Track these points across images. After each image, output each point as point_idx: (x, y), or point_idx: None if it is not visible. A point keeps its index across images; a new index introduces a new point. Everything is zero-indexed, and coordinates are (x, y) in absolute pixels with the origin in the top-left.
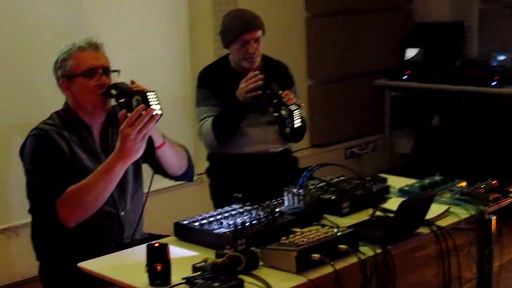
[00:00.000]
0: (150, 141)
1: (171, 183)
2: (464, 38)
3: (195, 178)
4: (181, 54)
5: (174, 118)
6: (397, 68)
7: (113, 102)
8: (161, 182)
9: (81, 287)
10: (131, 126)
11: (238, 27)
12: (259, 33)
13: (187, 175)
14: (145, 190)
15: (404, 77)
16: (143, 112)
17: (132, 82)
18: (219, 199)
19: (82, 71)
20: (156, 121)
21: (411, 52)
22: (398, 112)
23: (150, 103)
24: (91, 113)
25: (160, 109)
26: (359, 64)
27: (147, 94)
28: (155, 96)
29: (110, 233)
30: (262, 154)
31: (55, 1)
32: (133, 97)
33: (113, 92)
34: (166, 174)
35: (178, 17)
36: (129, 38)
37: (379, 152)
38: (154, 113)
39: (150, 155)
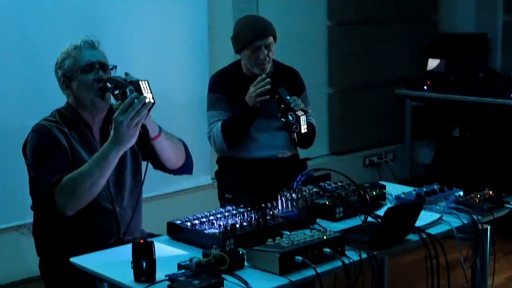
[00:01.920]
0: (145, 132)
1: (186, 185)
2: (487, 50)
3: (210, 181)
4: (200, 58)
5: (192, 122)
6: (418, 78)
7: (112, 100)
8: (175, 185)
9: (78, 282)
10: (124, 113)
11: (250, 34)
12: (270, 39)
13: (187, 168)
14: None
15: (425, 87)
16: (136, 100)
17: (126, 74)
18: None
19: (80, 67)
20: (149, 109)
21: (433, 63)
22: (418, 122)
23: (143, 91)
24: (91, 109)
25: (153, 97)
26: (380, 73)
27: (140, 82)
28: (147, 84)
29: (107, 228)
30: (270, 159)
31: (74, 5)
32: (127, 87)
33: (109, 85)
34: (165, 168)
35: (197, 21)
36: (148, 41)
37: (399, 162)
38: (146, 101)
39: (148, 151)
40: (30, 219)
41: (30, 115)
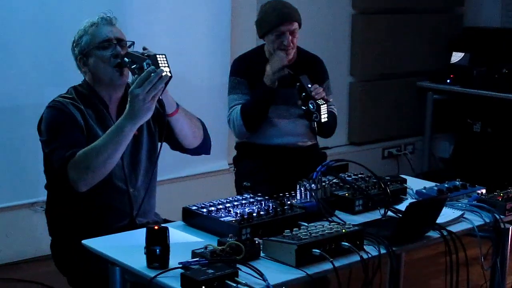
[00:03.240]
0: (162, 107)
1: (202, 169)
2: None
3: (227, 166)
4: (222, 42)
5: (212, 106)
6: (441, 71)
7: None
8: (192, 168)
9: (89, 264)
10: (140, 86)
11: (275, 18)
12: (295, 25)
13: (204, 147)
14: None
15: (448, 81)
16: (152, 73)
17: (144, 49)
18: (239, 189)
19: (97, 43)
20: (166, 83)
21: (457, 56)
22: (439, 115)
23: (160, 65)
24: (108, 86)
25: (170, 71)
26: (402, 64)
27: (157, 56)
28: (165, 58)
29: (120, 209)
30: (290, 146)
31: None
32: (144, 61)
33: (126, 60)
34: (183, 148)
35: (220, 4)
36: (170, 23)
37: (418, 155)
38: (163, 74)
39: (167, 133)
40: (43, 196)
41: (46, 92)
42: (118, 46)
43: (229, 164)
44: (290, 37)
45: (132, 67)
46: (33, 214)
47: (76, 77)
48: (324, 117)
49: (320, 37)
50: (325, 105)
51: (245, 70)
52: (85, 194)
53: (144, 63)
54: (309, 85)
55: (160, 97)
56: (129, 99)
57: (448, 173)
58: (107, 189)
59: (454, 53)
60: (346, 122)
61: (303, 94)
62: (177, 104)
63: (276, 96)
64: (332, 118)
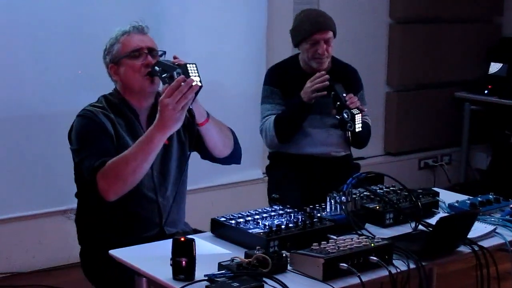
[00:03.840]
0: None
1: (236, 178)
2: None
3: (261, 176)
4: (257, 50)
5: (247, 114)
6: (479, 82)
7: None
8: (227, 177)
9: (116, 274)
10: (171, 96)
11: (309, 27)
12: (330, 34)
13: (235, 157)
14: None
15: (485, 91)
16: (182, 83)
17: (175, 58)
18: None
19: (128, 52)
20: (197, 93)
21: (495, 67)
22: (476, 126)
23: (190, 74)
24: (138, 95)
25: (200, 80)
26: (439, 74)
27: (188, 66)
28: (195, 68)
29: (149, 218)
30: (323, 156)
31: None
32: (174, 70)
33: (157, 68)
34: (213, 157)
35: (256, 13)
36: (205, 31)
37: (454, 166)
38: (193, 84)
39: (197, 142)
40: (75, 204)
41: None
42: (149, 56)
43: (263, 173)
44: (324, 46)
45: (163, 76)
46: (66, 221)
47: (110, 85)
48: (358, 127)
49: (357, 47)
50: (360, 114)
51: (279, 80)
52: (114, 203)
53: (175, 72)
54: (344, 94)
55: (190, 107)
56: (159, 108)
57: (485, 184)
58: (136, 199)
59: (492, 64)
60: (382, 132)
61: (338, 103)
62: (208, 114)
63: (311, 108)
64: (366, 128)
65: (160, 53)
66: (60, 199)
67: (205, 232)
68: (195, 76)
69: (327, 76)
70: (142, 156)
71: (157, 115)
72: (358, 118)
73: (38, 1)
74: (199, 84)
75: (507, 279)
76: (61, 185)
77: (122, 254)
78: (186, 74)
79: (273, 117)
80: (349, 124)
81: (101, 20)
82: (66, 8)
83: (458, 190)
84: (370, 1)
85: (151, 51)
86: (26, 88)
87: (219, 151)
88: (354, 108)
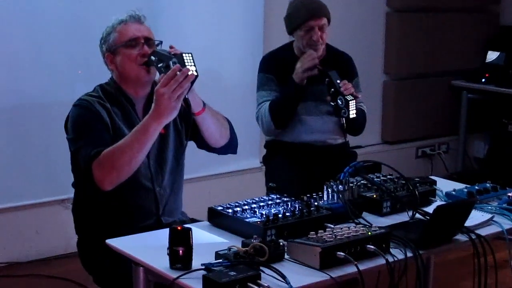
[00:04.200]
0: (188, 107)
1: (233, 167)
2: None
3: (259, 165)
4: (255, 39)
5: (244, 103)
6: (476, 70)
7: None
8: (224, 166)
9: (114, 263)
10: (166, 85)
11: (304, 14)
12: (324, 20)
13: (231, 147)
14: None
15: (483, 80)
16: (178, 72)
17: (171, 47)
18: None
19: (125, 41)
20: (192, 82)
21: (492, 55)
22: (474, 115)
23: (186, 64)
24: (135, 84)
25: (196, 70)
26: (437, 63)
27: (184, 55)
28: (191, 57)
29: (146, 207)
30: (320, 144)
31: None
32: (170, 60)
33: (153, 58)
34: (209, 147)
35: (253, 2)
36: (202, 20)
37: (452, 154)
38: (189, 73)
39: (193, 131)
40: (73, 193)
41: (76, 89)
42: (145, 45)
43: (260, 162)
44: (319, 33)
45: (159, 65)
46: (63, 210)
47: (105, 75)
48: (352, 113)
49: (354, 35)
50: (354, 101)
51: (274, 67)
52: (111, 193)
53: (171, 62)
54: (338, 81)
55: (186, 96)
56: (154, 97)
57: (483, 173)
58: (133, 188)
59: (489, 52)
60: (380, 121)
61: (332, 89)
62: (204, 103)
63: (305, 92)
64: (361, 115)
65: (156, 42)
66: (57, 189)
67: (202, 221)
68: (191, 65)
69: (316, 54)
70: (138, 145)
71: (153, 105)
72: (352, 104)
73: None
74: (195, 73)
75: (504, 267)
76: (58, 174)
77: (119, 243)
78: (182, 63)
79: (268, 103)
80: (343, 111)
81: (96, 9)
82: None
83: (455, 178)
84: None
85: (148, 40)
86: (23, 78)
87: (215, 141)
88: (348, 95)
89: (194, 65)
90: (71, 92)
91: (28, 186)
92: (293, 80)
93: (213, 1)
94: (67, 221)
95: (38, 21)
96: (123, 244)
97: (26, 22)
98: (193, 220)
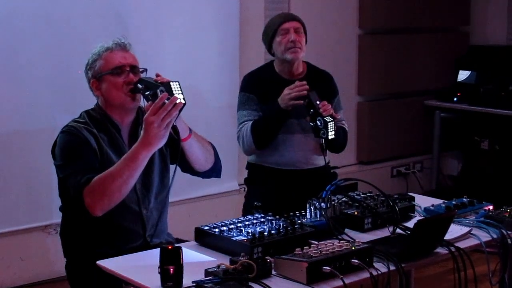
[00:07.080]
0: (176, 134)
1: (213, 190)
2: None
3: (237, 187)
4: (231, 60)
5: (221, 123)
6: (448, 90)
7: (142, 100)
8: (202, 189)
9: (103, 285)
10: (155, 114)
11: (277, 19)
12: (299, 24)
13: (215, 170)
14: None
15: (455, 99)
16: (166, 101)
17: (157, 75)
18: (247, 211)
19: (111, 69)
20: (180, 110)
21: (463, 74)
22: (447, 133)
23: (174, 92)
24: (120, 111)
25: (184, 98)
26: (409, 83)
27: (171, 83)
28: (178, 86)
29: (133, 230)
30: (302, 163)
31: (105, 5)
32: (157, 88)
33: (140, 86)
34: (193, 171)
35: (228, 24)
36: (179, 42)
37: (426, 173)
38: (177, 101)
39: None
40: (56, 219)
41: (59, 116)
42: (131, 73)
43: (239, 185)
44: (295, 34)
45: (146, 93)
46: (47, 237)
47: (88, 102)
48: (331, 134)
49: (327, 57)
50: (333, 122)
51: (254, 86)
52: (99, 216)
53: (158, 90)
54: (318, 102)
55: (174, 123)
56: (143, 126)
57: (457, 190)
58: (120, 211)
59: (460, 71)
60: (355, 142)
61: (311, 110)
62: (190, 129)
63: (288, 115)
64: (342, 134)
65: (141, 70)
66: (40, 215)
67: (189, 241)
68: (178, 93)
69: (306, 86)
70: (128, 172)
71: (142, 133)
72: (331, 125)
73: (18, 17)
74: (183, 101)
75: (483, 281)
76: (41, 201)
77: (110, 264)
78: (170, 91)
79: (250, 123)
80: (322, 132)
81: (78, 37)
82: (42, 24)
83: (430, 196)
84: (339, 12)
85: (133, 68)
86: (3, 105)
87: (200, 165)
88: (327, 116)
89: (182, 93)
90: (51, 118)
91: (11, 213)
92: (278, 104)
93: (188, 22)
94: (50, 247)
95: (17, 46)
96: (114, 265)
97: (4, 48)
98: (179, 240)
